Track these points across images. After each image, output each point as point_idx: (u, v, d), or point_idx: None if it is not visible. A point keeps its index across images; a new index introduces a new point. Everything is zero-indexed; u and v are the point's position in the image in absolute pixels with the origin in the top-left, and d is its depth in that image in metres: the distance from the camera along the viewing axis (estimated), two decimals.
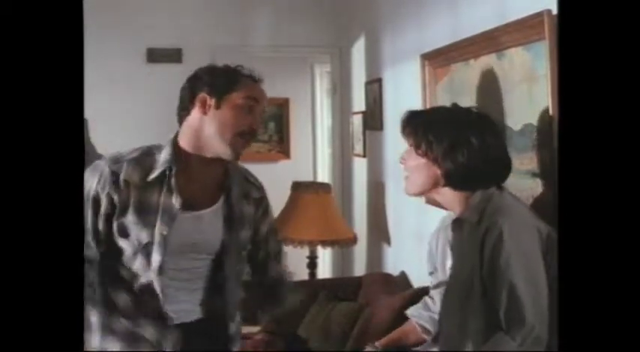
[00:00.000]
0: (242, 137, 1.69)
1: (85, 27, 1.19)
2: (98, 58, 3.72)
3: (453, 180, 1.66)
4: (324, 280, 3.96)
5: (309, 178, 5.06)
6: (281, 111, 5.62)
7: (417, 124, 1.72)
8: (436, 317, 1.96)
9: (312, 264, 3.70)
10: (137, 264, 1.68)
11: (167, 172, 1.67)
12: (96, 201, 1.65)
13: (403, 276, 3.10)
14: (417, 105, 2.59)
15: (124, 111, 4.22)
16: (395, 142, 3.30)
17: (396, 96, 3.30)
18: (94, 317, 1.71)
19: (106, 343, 1.71)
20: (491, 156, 1.65)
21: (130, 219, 1.65)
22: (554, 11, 1.68)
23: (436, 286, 1.95)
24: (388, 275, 3.20)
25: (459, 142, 1.63)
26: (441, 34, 2.59)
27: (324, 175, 5.32)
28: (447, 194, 1.71)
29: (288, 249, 3.64)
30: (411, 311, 2.10)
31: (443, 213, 2.02)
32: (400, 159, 1.78)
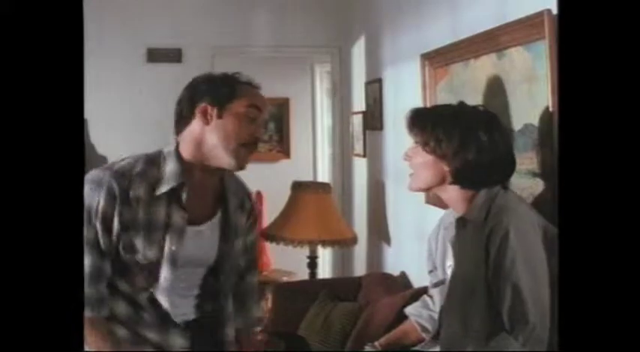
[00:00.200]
0: (246, 147, 1.65)
1: (85, 27, 1.19)
2: (98, 58, 3.72)
3: (461, 177, 1.66)
4: (324, 280, 3.97)
5: (309, 178, 5.07)
6: (281, 111, 5.62)
7: (424, 121, 1.72)
8: (435, 315, 1.96)
9: (312, 264, 3.70)
10: (140, 280, 1.64)
11: (177, 188, 1.63)
12: (105, 219, 1.58)
13: (403, 276, 3.10)
14: (417, 105, 2.58)
15: (124, 111, 4.23)
16: (395, 142, 3.30)
17: (396, 96, 3.30)
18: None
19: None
20: (499, 154, 1.66)
21: (137, 235, 1.60)
22: (554, 11, 1.68)
23: (436, 284, 1.95)
24: (388, 276, 3.19)
25: (469, 140, 1.63)
26: (441, 34, 2.59)
27: (324, 175, 5.32)
28: (452, 192, 1.71)
29: (288, 249, 3.67)
30: (410, 310, 2.10)
31: (443, 213, 2.02)
32: (404, 155, 1.77)
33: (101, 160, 3.46)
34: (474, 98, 2.24)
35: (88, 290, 1.57)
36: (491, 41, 2.11)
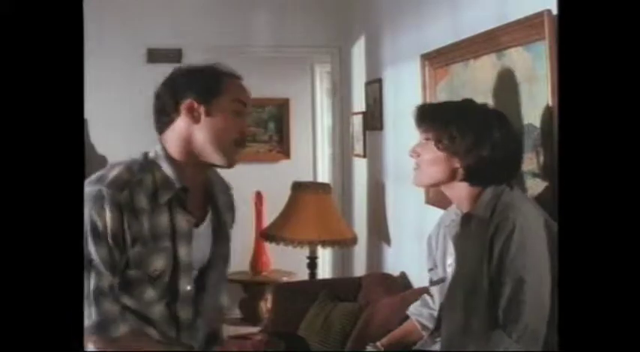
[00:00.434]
0: (236, 144, 1.61)
1: (85, 27, 1.19)
2: (98, 58, 3.72)
3: (472, 175, 1.67)
4: (324, 280, 3.97)
5: (309, 178, 5.06)
6: (281, 111, 5.62)
7: (435, 117, 1.71)
8: (436, 314, 1.96)
9: (312, 264, 3.70)
10: (150, 294, 1.56)
11: (179, 193, 1.58)
12: (116, 235, 1.49)
13: (403, 276, 3.10)
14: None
15: (124, 111, 4.22)
16: (395, 142, 3.30)
17: (396, 97, 3.30)
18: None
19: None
20: (510, 152, 1.67)
21: (146, 246, 1.53)
22: (554, 11, 1.68)
23: (435, 282, 1.95)
24: (388, 276, 3.19)
25: (484, 137, 1.64)
26: (441, 34, 2.59)
27: (324, 175, 5.32)
28: (459, 189, 1.70)
29: (288, 249, 3.67)
30: (410, 310, 2.10)
31: (442, 212, 2.02)
32: (411, 152, 1.76)
33: (101, 160, 3.46)
34: (474, 98, 2.24)
35: (110, 307, 1.50)
36: (491, 41, 2.11)
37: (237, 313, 4.95)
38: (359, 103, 3.99)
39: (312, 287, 3.28)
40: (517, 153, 1.72)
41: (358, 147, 4.02)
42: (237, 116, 1.61)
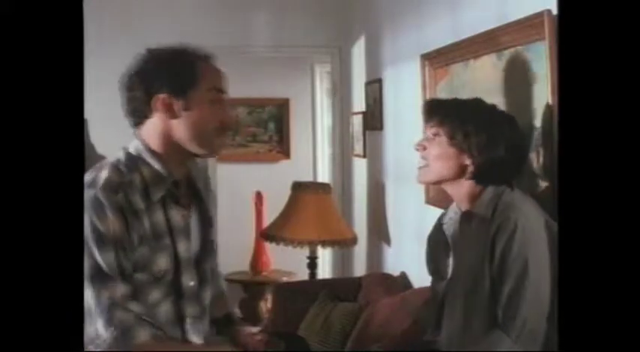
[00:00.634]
0: (218, 133, 1.56)
1: (85, 27, 1.19)
2: (98, 58, 3.71)
3: (482, 173, 1.66)
4: (324, 280, 3.97)
5: (309, 178, 5.07)
6: (281, 111, 5.62)
7: (449, 113, 1.70)
8: (436, 314, 1.96)
9: (312, 264, 3.70)
10: (155, 296, 1.52)
11: (171, 188, 1.54)
12: (121, 238, 1.44)
13: (403, 276, 3.10)
14: (418, 105, 2.59)
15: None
16: (395, 142, 3.30)
17: (396, 97, 3.30)
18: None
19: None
20: (518, 153, 1.69)
21: (148, 247, 1.49)
22: (554, 11, 1.68)
23: (436, 282, 1.95)
24: (388, 276, 3.19)
25: (497, 137, 1.64)
26: (441, 34, 2.59)
27: (324, 175, 5.32)
28: (463, 187, 1.70)
29: (287, 249, 3.67)
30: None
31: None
32: (417, 145, 1.74)
33: (101, 160, 3.45)
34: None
35: (124, 316, 1.43)
36: (491, 41, 2.11)
37: (237, 313, 4.95)
38: (359, 103, 3.99)
39: (312, 287, 3.28)
40: (524, 154, 1.73)
41: (358, 147, 4.02)
42: (215, 104, 1.55)
